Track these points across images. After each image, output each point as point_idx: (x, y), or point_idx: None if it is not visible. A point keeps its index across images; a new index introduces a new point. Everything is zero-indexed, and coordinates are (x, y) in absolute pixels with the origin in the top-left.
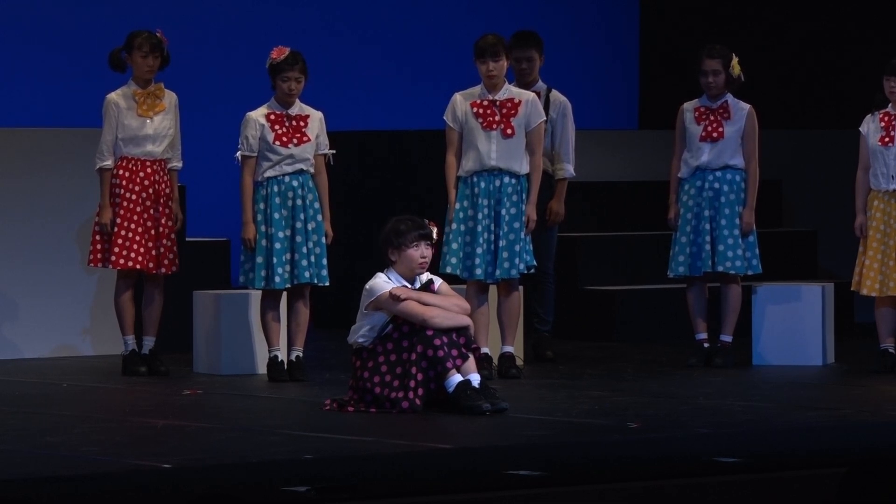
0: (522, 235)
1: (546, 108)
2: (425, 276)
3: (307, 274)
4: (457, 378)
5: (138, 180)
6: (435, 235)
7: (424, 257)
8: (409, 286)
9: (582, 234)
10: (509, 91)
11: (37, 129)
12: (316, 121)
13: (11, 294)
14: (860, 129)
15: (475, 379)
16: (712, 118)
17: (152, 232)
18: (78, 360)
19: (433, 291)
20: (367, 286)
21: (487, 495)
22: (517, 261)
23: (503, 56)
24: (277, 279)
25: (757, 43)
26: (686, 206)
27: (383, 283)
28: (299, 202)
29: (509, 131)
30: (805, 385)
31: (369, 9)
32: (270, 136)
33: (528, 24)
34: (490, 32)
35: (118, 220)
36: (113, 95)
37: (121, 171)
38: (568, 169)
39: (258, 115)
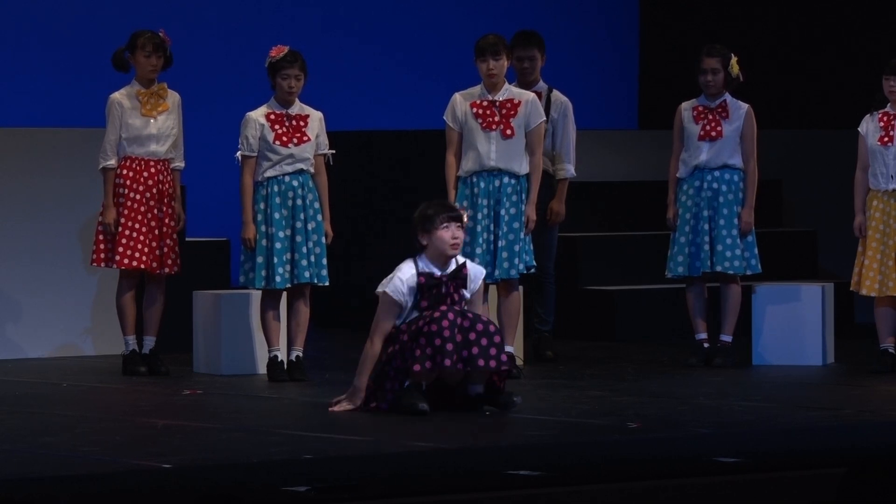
0: (522, 236)
1: (547, 108)
2: (454, 263)
3: (307, 274)
4: (478, 388)
5: (142, 180)
6: (466, 219)
7: (456, 238)
8: (439, 273)
9: (582, 234)
10: (509, 91)
11: (40, 129)
12: (316, 121)
13: (13, 294)
14: (859, 128)
15: (479, 387)
16: (711, 117)
17: (156, 232)
18: (78, 360)
19: (464, 277)
20: (387, 278)
21: (487, 495)
22: (517, 261)
23: (504, 55)
24: (278, 279)
25: (756, 43)
26: (685, 206)
27: (397, 282)
28: (299, 202)
29: (509, 132)
30: (805, 385)
31: (369, 9)
32: (270, 136)
33: (528, 25)
34: (491, 32)
35: (122, 220)
36: (116, 95)
37: (124, 171)
38: (569, 169)
39: (258, 114)
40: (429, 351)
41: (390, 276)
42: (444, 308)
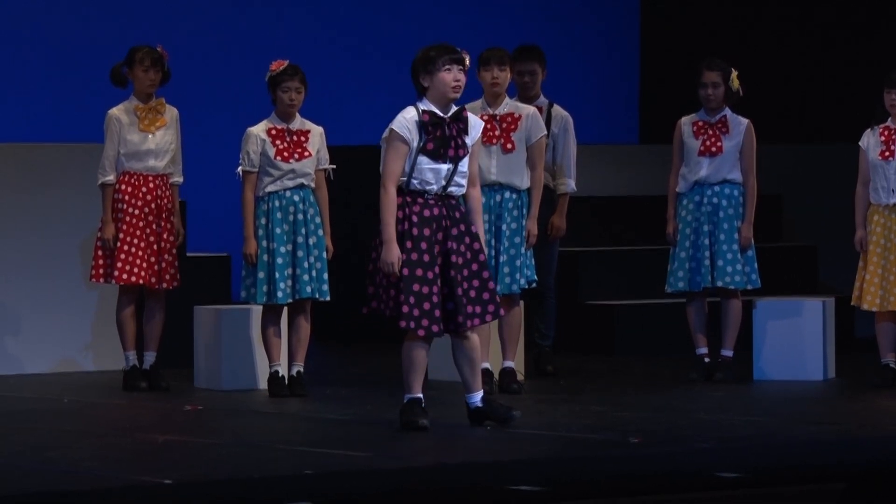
0: (523, 250)
1: (548, 122)
2: (454, 108)
3: (308, 289)
4: (476, 399)
5: (141, 195)
6: (468, 62)
7: (458, 80)
8: (441, 114)
9: (583, 248)
10: (509, 105)
11: (39, 145)
12: (316, 136)
13: (13, 309)
14: (860, 143)
15: (477, 399)
16: (711, 133)
17: (154, 247)
18: (79, 376)
19: (465, 120)
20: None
21: None
22: (518, 276)
23: (508, 66)
24: (279, 294)
25: (757, 57)
26: (685, 221)
27: (401, 119)
28: (300, 217)
29: (509, 146)
30: (806, 400)
31: (369, 24)
32: (272, 151)
33: (529, 39)
34: (494, 46)
35: (121, 236)
36: (114, 111)
37: (123, 186)
38: (569, 184)
39: (259, 130)
40: (416, 312)
41: (392, 120)
42: (436, 269)
